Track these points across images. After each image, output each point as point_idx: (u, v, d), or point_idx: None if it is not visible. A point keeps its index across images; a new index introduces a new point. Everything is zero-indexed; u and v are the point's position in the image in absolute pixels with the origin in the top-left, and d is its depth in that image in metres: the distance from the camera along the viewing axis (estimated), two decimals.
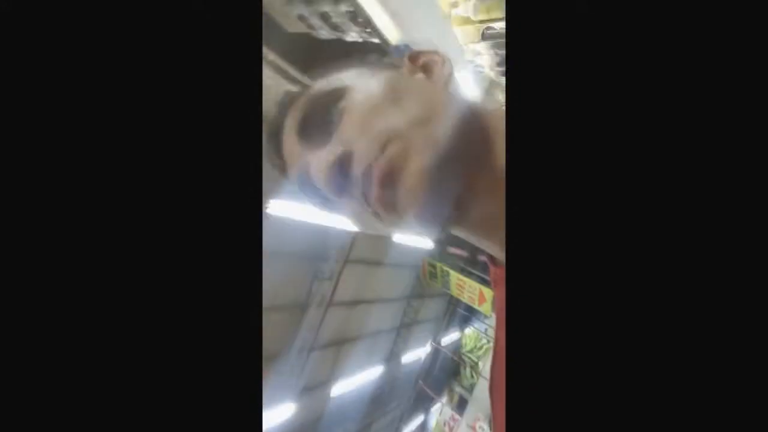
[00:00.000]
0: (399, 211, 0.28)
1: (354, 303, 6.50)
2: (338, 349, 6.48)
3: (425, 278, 7.99)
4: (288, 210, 4.54)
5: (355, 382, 6.88)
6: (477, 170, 0.28)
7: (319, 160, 0.28)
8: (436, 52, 0.32)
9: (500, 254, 0.31)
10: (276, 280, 4.81)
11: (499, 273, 0.31)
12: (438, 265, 7.57)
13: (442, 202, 0.27)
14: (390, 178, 0.27)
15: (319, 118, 0.30)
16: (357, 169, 0.28)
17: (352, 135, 0.28)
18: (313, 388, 6.00)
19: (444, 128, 0.27)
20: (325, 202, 0.32)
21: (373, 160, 0.27)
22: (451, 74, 0.31)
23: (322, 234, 5.26)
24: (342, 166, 0.27)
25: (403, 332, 8.54)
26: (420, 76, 0.32)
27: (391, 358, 8.29)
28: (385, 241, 6.30)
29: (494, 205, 0.27)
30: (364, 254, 6.21)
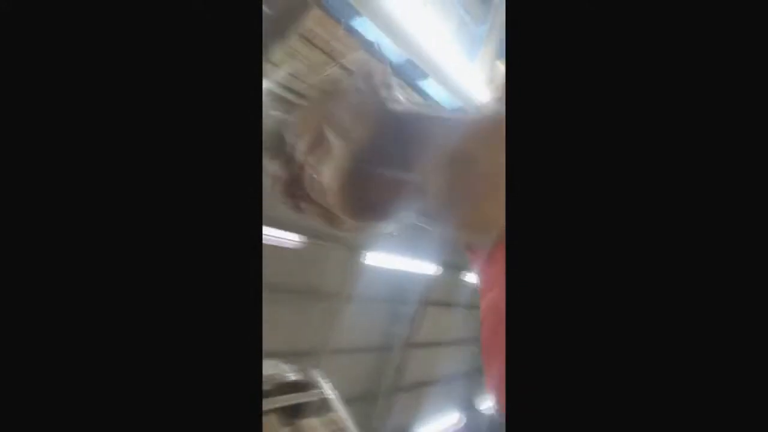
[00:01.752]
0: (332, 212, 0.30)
1: (432, 344, 6.58)
2: (419, 392, 6.53)
3: None
4: (377, 259, 4.99)
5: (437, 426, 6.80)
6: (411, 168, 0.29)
7: (274, 176, 0.31)
8: (380, 64, 0.33)
9: (478, 239, 0.31)
10: (363, 324, 5.17)
11: (479, 254, 0.31)
12: None
13: (369, 196, 0.29)
14: (313, 182, 0.29)
15: (276, 138, 0.32)
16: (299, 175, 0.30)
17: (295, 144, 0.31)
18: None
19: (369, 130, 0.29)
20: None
21: (303, 164, 0.30)
22: (388, 76, 0.33)
23: (403, 278, 5.57)
24: (293, 181, 0.31)
25: (477, 375, 8.30)
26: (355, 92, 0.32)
27: (469, 403, 8.04)
28: (458, 281, 6.41)
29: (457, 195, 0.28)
30: (440, 296, 6.36)
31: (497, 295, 0.26)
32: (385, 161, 0.29)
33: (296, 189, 0.31)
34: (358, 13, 1.62)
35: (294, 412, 2.20)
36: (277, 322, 3.86)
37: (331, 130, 0.29)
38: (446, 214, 0.30)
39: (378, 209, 0.30)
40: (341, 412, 2.37)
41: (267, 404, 2.03)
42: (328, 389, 2.46)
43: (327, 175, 0.29)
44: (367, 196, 0.29)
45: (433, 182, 0.29)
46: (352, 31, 1.76)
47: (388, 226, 0.33)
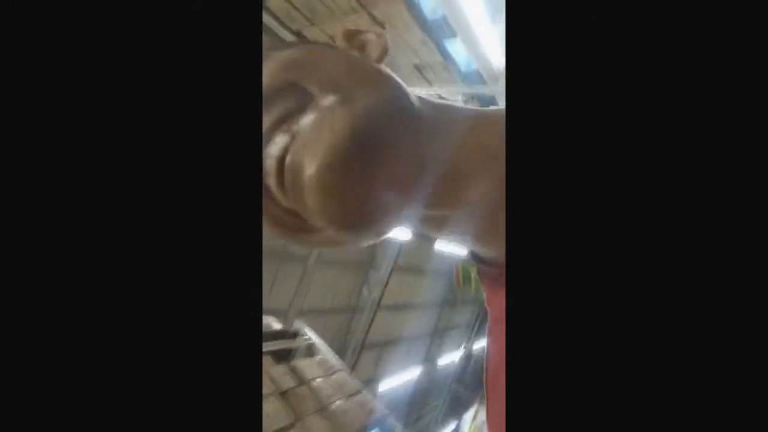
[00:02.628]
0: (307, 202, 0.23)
1: (397, 307, 6.97)
2: (381, 351, 6.95)
3: (459, 284, 8.31)
4: None
5: (397, 380, 7.33)
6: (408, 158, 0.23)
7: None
8: (378, 32, 0.28)
9: (489, 252, 0.28)
10: (330, 286, 5.35)
11: (489, 271, 0.28)
12: (470, 270, 7.89)
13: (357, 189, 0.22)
14: (280, 172, 0.23)
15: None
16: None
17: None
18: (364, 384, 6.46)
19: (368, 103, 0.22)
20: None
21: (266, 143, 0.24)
22: (386, 51, 0.28)
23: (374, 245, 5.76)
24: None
25: (437, 337, 8.92)
26: (350, 55, 0.27)
27: (428, 360, 8.67)
28: (425, 248, 6.74)
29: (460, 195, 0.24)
30: (408, 262, 6.68)
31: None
32: (390, 152, 0.22)
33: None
34: None
35: (285, 356, 2.36)
36: None
37: (317, 84, 0.22)
38: (456, 220, 0.26)
39: (374, 218, 0.23)
40: (329, 354, 2.56)
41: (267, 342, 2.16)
42: (313, 335, 2.63)
43: (311, 151, 0.22)
44: (363, 197, 0.22)
45: (444, 184, 0.24)
46: None
47: (377, 238, 0.26)
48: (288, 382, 2.08)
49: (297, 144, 0.22)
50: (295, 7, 1.64)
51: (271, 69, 0.24)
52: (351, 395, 2.31)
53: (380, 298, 6.13)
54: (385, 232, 0.25)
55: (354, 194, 0.22)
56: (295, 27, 1.75)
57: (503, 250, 0.23)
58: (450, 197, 0.25)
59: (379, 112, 0.22)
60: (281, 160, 0.22)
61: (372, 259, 6.08)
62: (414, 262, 6.95)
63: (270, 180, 0.23)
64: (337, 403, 2.15)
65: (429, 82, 1.93)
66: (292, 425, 1.83)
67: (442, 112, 0.26)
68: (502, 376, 0.22)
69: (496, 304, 0.28)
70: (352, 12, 1.63)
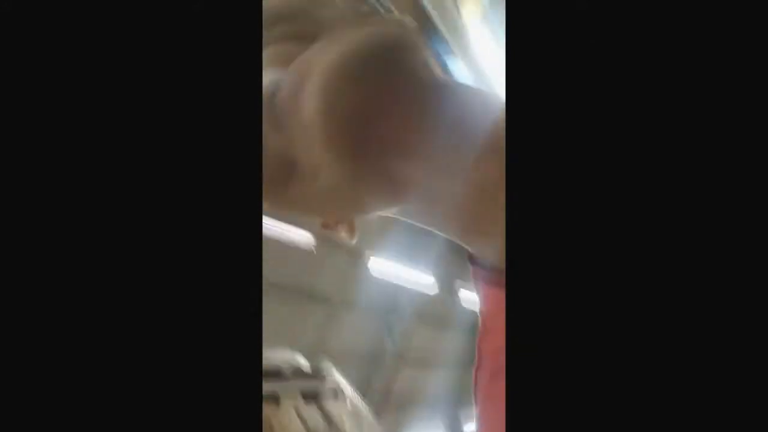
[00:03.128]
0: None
1: (421, 363, 6.53)
2: (405, 410, 6.40)
3: None
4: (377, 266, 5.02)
5: None
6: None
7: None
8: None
9: (481, 249, 0.26)
10: (357, 331, 5.13)
11: (478, 273, 0.27)
12: None
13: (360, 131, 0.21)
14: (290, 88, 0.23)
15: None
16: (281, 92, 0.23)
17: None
18: None
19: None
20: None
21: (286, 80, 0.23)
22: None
23: (398, 291, 5.60)
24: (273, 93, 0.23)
25: (462, 400, 8.20)
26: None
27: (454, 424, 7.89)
28: (450, 301, 6.46)
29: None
30: (432, 313, 6.38)
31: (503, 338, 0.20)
32: (388, 103, 0.21)
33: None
34: None
35: (312, 396, 2.19)
36: (275, 320, 3.82)
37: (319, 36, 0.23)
38: (448, 211, 0.24)
39: (376, 150, 0.22)
40: (357, 399, 2.37)
41: (288, 388, 2.05)
42: (340, 378, 2.46)
43: (320, 62, 0.21)
44: (365, 124, 0.21)
45: (439, 168, 0.23)
46: None
47: (379, 181, 0.24)
48: (318, 422, 1.90)
49: (294, 69, 0.21)
50: None
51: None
52: None
53: (403, 352, 5.79)
54: (385, 180, 0.23)
55: (356, 118, 0.20)
56: None
57: (495, 250, 0.23)
58: (444, 175, 0.23)
59: (385, 37, 0.21)
60: (272, 96, 0.21)
61: (395, 306, 5.86)
62: (438, 313, 6.64)
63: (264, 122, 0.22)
64: None
65: None
66: None
67: (457, 88, 0.25)
68: (495, 387, 0.21)
69: (491, 307, 0.26)
70: None
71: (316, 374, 2.39)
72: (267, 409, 1.92)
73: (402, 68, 0.22)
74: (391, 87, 0.21)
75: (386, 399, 5.75)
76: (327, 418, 1.94)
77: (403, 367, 5.92)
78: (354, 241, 0.28)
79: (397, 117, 0.21)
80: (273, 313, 3.65)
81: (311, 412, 1.96)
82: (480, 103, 0.24)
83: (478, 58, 1.67)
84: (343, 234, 0.28)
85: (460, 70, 1.79)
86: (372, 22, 0.24)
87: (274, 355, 2.35)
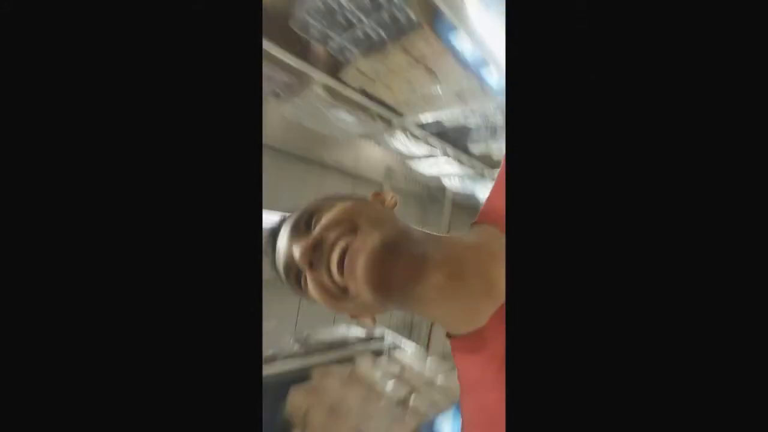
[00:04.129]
0: (350, 289, 0.36)
1: None
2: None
3: None
4: None
5: None
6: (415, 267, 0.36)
7: (302, 245, 0.37)
8: (394, 195, 0.46)
9: (454, 326, 0.39)
10: None
11: (454, 345, 0.39)
12: None
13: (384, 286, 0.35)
14: (341, 262, 0.36)
15: (302, 224, 0.41)
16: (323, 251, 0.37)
17: (323, 229, 0.38)
18: None
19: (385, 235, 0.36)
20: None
21: (331, 246, 0.37)
22: (396, 204, 0.45)
23: None
24: (315, 247, 0.37)
25: None
26: (378, 203, 0.44)
27: None
28: None
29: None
30: None
31: (492, 398, 0.32)
32: (405, 254, 0.35)
33: (318, 260, 0.37)
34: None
35: (379, 353, 2.77)
36: None
37: (365, 221, 0.37)
38: (430, 313, 0.39)
39: (394, 287, 0.35)
40: (413, 347, 2.94)
41: (361, 345, 2.59)
42: (396, 335, 3.03)
43: (364, 250, 0.35)
44: (390, 273, 0.35)
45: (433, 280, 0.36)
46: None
47: (390, 308, 0.40)
48: (394, 367, 2.48)
49: (352, 250, 0.36)
50: (360, 71, 2.13)
51: (339, 210, 0.39)
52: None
53: None
54: (397, 300, 0.38)
55: (384, 275, 0.35)
56: (358, 85, 2.23)
57: (470, 327, 0.37)
58: (435, 286, 0.37)
59: (394, 234, 0.37)
60: (342, 257, 0.36)
61: None
62: None
63: (333, 266, 0.36)
64: (439, 377, 2.53)
65: (466, 102, 2.38)
66: (409, 394, 2.22)
67: (423, 233, 0.41)
68: None
69: (467, 372, 0.37)
70: (410, 67, 2.08)
71: (376, 337, 2.96)
72: (347, 369, 2.44)
73: (402, 248, 0.36)
74: (396, 261, 0.35)
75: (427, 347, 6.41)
76: (397, 364, 2.50)
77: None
78: (374, 326, 0.44)
79: (401, 275, 0.35)
80: None
81: (383, 362, 2.52)
82: (438, 241, 0.40)
83: (479, 29, 1.92)
84: (367, 322, 0.43)
85: (463, 42, 2.01)
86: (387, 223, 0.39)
87: (337, 329, 2.89)
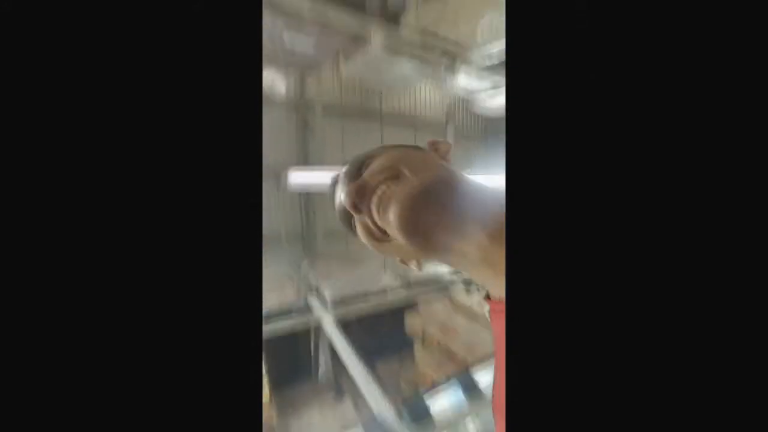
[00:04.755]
0: (390, 232, 0.36)
1: None
2: None
3: None
4: None
5: None
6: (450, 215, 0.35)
7: (348, 189, 0.38)
8: (447, 142, 0.45)
9: (494, 290, 0.36)
10: None
11: (490, 306, 0.36)
12: None
13: (421, 231, 0.34)
14: (383, 206, 0.36)
15: (354, 170, 0.42)
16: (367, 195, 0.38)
17: (368, 175, 0.39)
18: None
19: (432, 182, 0.36)
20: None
21: (373, 191, 0.38)
22: (448, 151, 0.44)
23: None
24: (359, 191, 0.38)
25: None
26: (432, 150, 0.44)
27: None
28: None
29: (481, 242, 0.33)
30: None
31: None
32: (441, 204, 0.34)
33: (361, 203, 0.38)
34: None
35: (467, 282, 2.99)
36: None
37: (407, 168, 0.38)
38: (470, 265, 0.36)
39: (428, 236, 0.34)
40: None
41: (452, 278, 2.82)
42: (466, 277, 3.22)
43: (399, 195, 0.35)
44: (423, 221, 0.34)
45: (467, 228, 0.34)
46: None
47: (426, 260, 0.41)
48: (464, 307, 2.72)
49: (388, 194, 0.36)
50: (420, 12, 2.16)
51: (386, 156, 0.40)
52: None
53: None
54: (434, 250, 0.36)
55: (417, 222, 0.34)
56: (420, 26, 2.27)
57: (498, 288, 0.34)
58: (469, 239, 0.34)
59: (433, 182, 0.36)
60: (381, 200, 0.37)
61: None
62: None
63: (374, 210, 0.37)
64: None
65: None
66: None
67: (474, 184, 0.38)
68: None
69: (498, 332, 0.34)
70: None
71: (448, 278, 3.15)
72: (445, 297, 2.64)
73: (440, 197, 0.35)
74: (430, 210, 0.34)
75: None
76: (468, 304, 2.64)
77: None
78: (421, 272, 0.45)
79: (434, 225, 0.34)
80: None
81: (474, 291, 2.71)
82: (488, 196, 0.37)
83: None
84: (413, 267, 0.44)
85: None
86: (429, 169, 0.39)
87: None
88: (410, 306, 2.43)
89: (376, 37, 2.23)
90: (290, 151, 3.49)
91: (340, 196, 0.42)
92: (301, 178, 2.54)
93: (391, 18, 2.20)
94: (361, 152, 0.44)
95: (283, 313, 2.09)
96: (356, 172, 0.42)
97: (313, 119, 3.37)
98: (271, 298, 2.19)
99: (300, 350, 2.15)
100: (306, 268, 3.00)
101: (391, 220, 0.35)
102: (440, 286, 2.79)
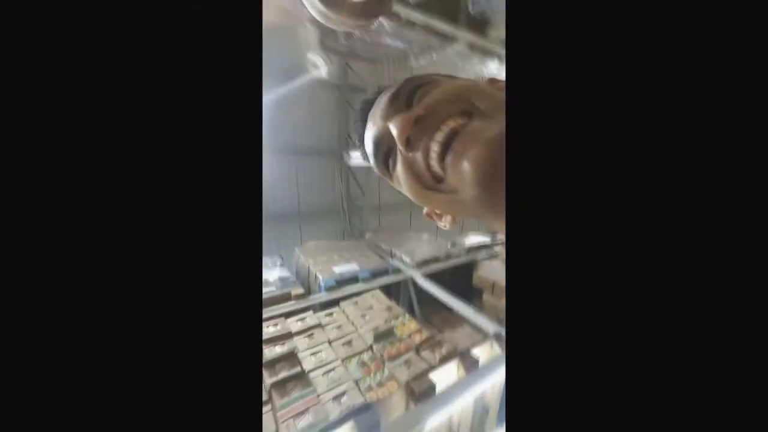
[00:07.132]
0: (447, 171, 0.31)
1: None
2: None
3: None
4: None
5: None
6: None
7: (402, 118, 0.32)
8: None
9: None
10: None
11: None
12: None
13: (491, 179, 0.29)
14: (445, 146, 0.30)
15: (404, 96, 0.35)
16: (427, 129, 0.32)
17: (430, 105, 0.32)
18: None
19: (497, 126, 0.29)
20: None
21: (437, 126, 0.31)
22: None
23: None
24: (417, 122, 0.31)
25: None
26: (496, 90, 0.35)
27: None
28: None
29: None
30: None
31: None
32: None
33: (417, 138, 0.32)
34: None
35: (494, 256, 3.58)
36: None
37: (483, 103, 0.32)
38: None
39: (502, 192, 0.29)
40: None
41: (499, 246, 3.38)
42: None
43: (481, 137, 0.29)
44: (502, 175, 0.28)
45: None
46: None
47: (476, 219, 0.35)
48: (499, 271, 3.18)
49: (465, 134, 0.30)
50: None
51: (451, 86, 0.34)
52: None
53: None
54: (496, 210, 0.31)
55: (498, 173, 0.28)
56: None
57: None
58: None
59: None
60: (447, 141, 0.31)
61: None
62: None
63: (433, 150, 0.31)
64: None
65: None
66: None
67: None
68: None
69: None
70: None
71: (490, 243, 3.71)
72: (479, 270, 3.10)
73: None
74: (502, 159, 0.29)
75: None
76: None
77: None
78: (452, 229, 0.41)
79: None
80: None
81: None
82: None
83: None
84: (446, 224, 0.40)
85: None
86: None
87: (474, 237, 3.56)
88: (472, 265, 2.97)
89: (460, 43, 2.64)
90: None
91: (381, 123, 0.36)
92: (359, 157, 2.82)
93: (477, 27, 2.61)
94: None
95: (381, 273, 2.53)
96: (407, 99, 0.36)
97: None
98: (365, 263, 2.59)
99: (400, 297, 2.65)
100: (373, 238, 3.39)
101: (465, 166, 0.30)
102: (492, 253, 3.33)
